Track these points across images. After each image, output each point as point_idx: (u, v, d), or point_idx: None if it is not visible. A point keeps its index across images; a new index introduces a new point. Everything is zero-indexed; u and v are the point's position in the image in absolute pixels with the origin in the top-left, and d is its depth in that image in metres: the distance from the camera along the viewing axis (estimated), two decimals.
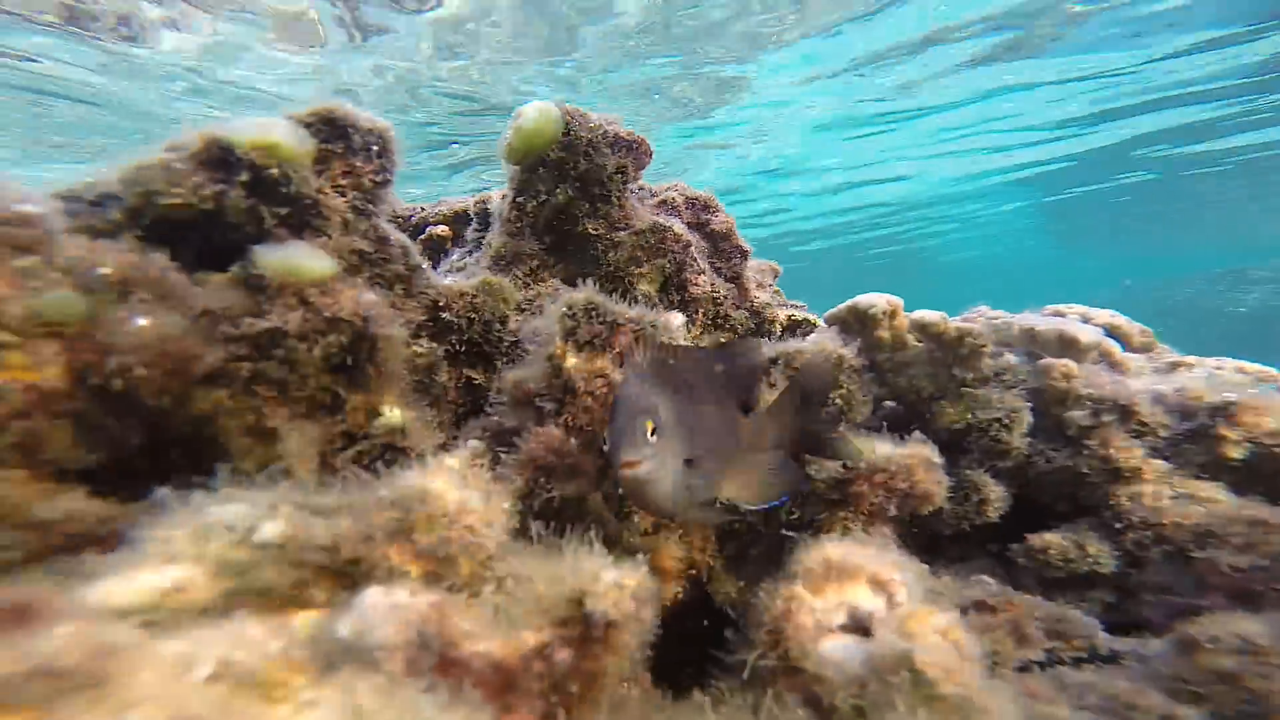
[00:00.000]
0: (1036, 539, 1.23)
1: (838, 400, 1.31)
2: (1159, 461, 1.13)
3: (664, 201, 1.88)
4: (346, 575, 0.71)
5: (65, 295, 0.78)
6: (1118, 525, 1.14)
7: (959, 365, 1.24)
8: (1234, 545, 1.01)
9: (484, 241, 1.95)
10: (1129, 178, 12.88)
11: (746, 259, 2.01)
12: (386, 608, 0.63)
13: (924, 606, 0.82)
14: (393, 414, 1.15)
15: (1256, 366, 1.39)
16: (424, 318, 1.40)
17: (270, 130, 1.00)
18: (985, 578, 1.31)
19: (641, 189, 1.96)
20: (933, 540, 1.40)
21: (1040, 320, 1.23)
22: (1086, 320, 1.36)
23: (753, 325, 1.98)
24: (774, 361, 1.29)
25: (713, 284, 1.88)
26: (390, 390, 1.14)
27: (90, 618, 0.56)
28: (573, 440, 1.10)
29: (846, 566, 0.86)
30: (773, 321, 1.97)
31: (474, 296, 1.44)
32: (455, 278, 1.54)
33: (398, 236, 1.31)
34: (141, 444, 0.95)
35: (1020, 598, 1.17)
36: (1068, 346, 1.20)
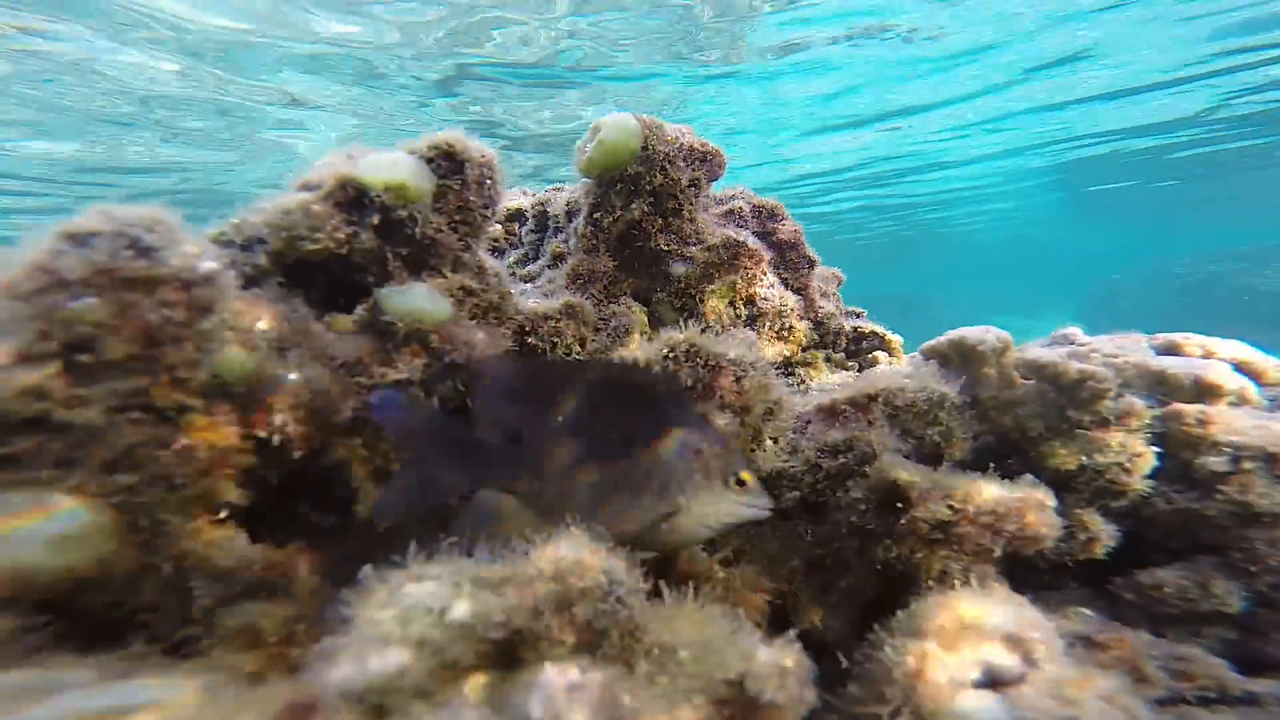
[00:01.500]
0: (1147, 575, 1.21)
1: (935, 436, 1.30)
2: None
3: (730, 211, 1.86)
4: (508, 648, 0.74)
5: (236, 354, 0.82)
6: (1251, 568, 1.11)
7: (1076, 408, 1.21)
8: None
9: (542, 248, 1.96)
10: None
11: (814, 268, 1.99)
12: (566, 687, 0.67)
13: (1079, 669, 0.82)
14: None
15: None
16: (512, 343, 1.43)
17: (398, 169, 1.02)
18: (1085, 610, 1.30)
19: (706, 196, 1.94)
20: (1024, 567, 1.39)
21: (1172, 362, 1.19)
22: (1207, 354, 1.30)
23: (816, 337, 1.96)
24: (872, 399, 1.28)
25: (781, 296, 1.87)
26: None
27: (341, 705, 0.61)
28: None
29: (983, 625, 0.87)
30: (838, 334, 1.95)
31: (557, 320, 1.46)
32: (535, 298, 1.56)
33: (493, 264, 1.33)
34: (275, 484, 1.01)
35: (1131, 633, 1.16)
36: (1206, 393, 1.16)
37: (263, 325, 0.87)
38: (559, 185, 2.18)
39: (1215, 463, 1.11)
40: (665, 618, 0.79)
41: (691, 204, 1.71)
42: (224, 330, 0.80)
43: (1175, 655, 1.11)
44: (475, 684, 0.71)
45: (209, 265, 0.80)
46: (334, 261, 1.05)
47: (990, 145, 11.17)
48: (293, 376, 0.89)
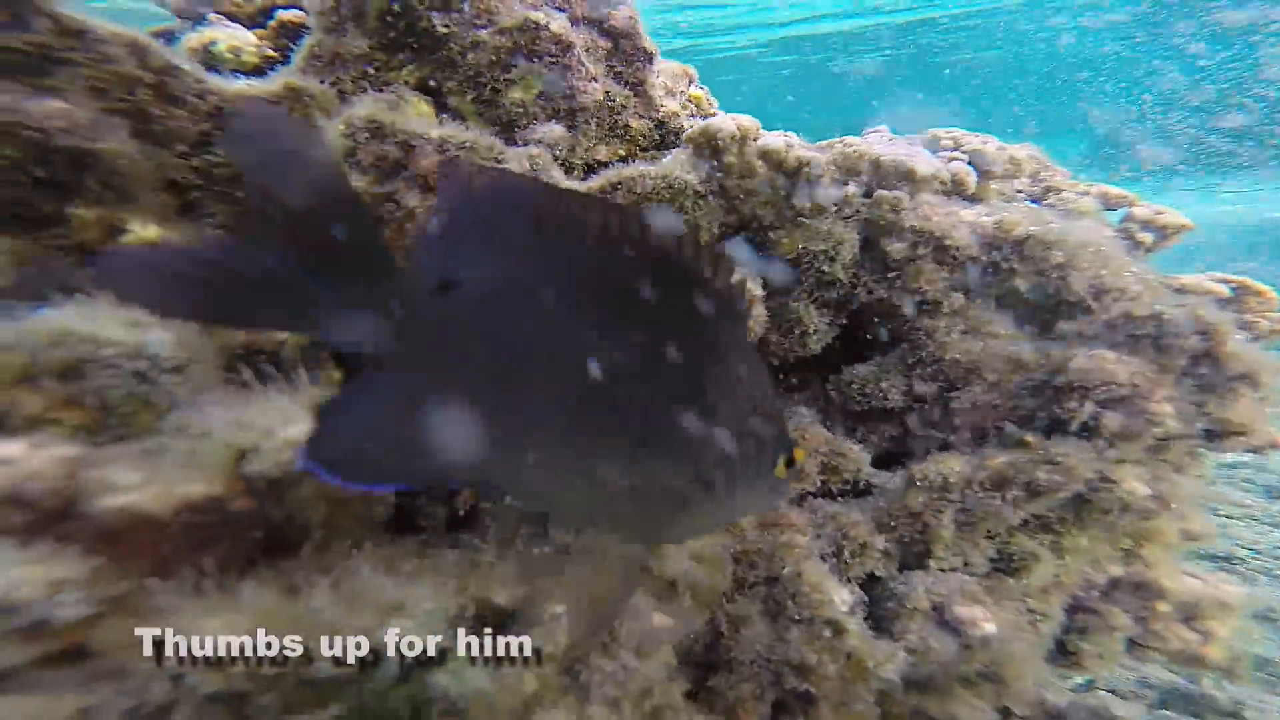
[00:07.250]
0: (848, 372, 1.26)
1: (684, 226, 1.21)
2: (958, 295, 1.10)
3: None
4: None
5: None
6: (910, 360, 1.16)
7: (798, 195, 1.14)
8: (988, 382, 1.03)
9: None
10: None
11: (652, 62, 1.72)
12: None
13: None
14: (146, 230, 1.01)
15: (1118, 191, 1.33)
16: (202, 126, 1.16)
17: None
18: (802, 409, 1.36)
19: None
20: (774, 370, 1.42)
21: (886, 149, 1.10)
22: (958, 145, 1.23)
23: (657, 136, 1.75)
24: (615, 186, 1.16)
25: (607, 91, 1.62)
26: (134, 205, 1.00)
27: None
28: None
29: None
30: (680, 133, 1.75)
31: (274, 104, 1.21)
32: (249, 79, 1.27)
33: (108, 29, 1.02)
34: None
35: (815, 432, 1.22)
36: (905, 178, 1.09)
37: None
38: None
39: (899, 248, 1.09)
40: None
41: None
42: None
43: (837, 451, 1.17)
44: None
45: None
46: None
47: None
48: None
